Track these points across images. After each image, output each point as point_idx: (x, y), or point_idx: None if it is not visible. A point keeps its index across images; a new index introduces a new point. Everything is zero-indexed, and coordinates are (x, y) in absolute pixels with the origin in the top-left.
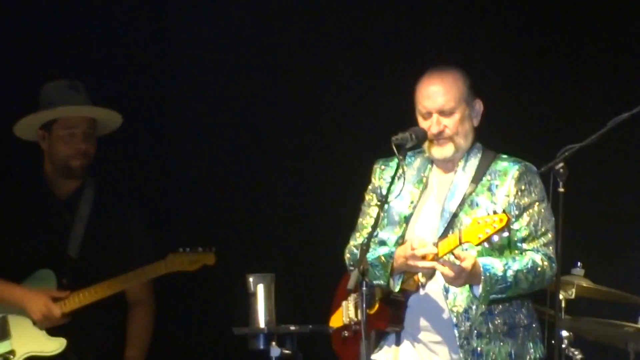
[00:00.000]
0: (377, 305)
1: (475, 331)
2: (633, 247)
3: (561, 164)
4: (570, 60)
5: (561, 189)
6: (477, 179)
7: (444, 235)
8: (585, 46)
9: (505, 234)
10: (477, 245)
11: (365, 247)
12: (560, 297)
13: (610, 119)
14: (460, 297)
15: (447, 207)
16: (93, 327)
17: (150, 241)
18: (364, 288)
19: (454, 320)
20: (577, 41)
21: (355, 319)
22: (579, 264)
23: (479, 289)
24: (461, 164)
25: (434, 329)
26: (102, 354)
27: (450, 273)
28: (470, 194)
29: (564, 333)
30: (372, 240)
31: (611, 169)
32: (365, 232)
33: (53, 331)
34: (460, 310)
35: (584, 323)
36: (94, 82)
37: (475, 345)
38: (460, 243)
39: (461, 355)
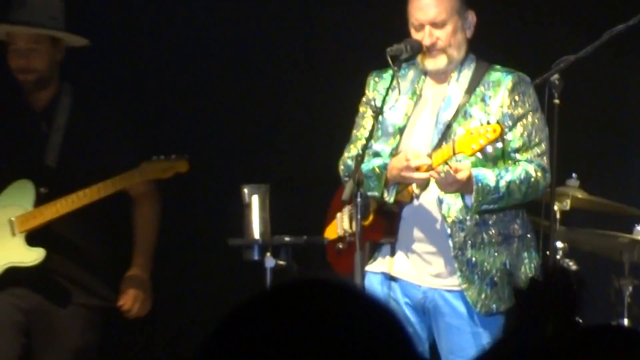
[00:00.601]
0: (371, 217)
1: (470, 241)
2: (628, 158)
3: (556, 76)
4: None
5: (556, 101)
6: (470, 90)
7: (438, 146)
8: None
9: (499, 145)
10: (470, 155)
11: (359, 158)
12: (555, 208)
13: (606, 29)
14: (454, 207)
15: (440, 118)
16: (76, 238)
17: (133, 148)
18: (359, 199)
19: (448, 230)
20: None
21: (350, 230)
22: (573, 175)
23: (470, 199)
24: (454, 75)
25: (428, 240)
26: (91, 266)
27: (445, 179)
28: (464, 104)
29: (559, 244)
30: (366, 151)
31: (606, 80)
32: (359, 144)
33: (33, 242)
34: (455, 220)
35: (578, 234)
36: None
37: (469, 255)
38: (454, 153)
39: (455, 265)
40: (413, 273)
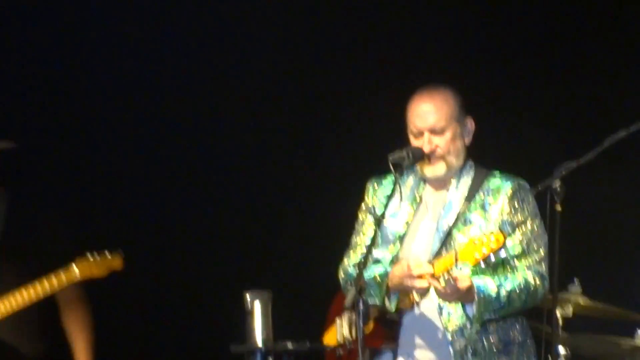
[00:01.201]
0: (371, 324)
1: (471, 349)
2: (630, 263)
3: (558, 182)
4: (565, 76)
5: (558, 207)
6: (470, 197)
7: (439, 252)
8: (581, 63)
9: (502, 254)
10: (473, 265)
11: (362, 266)
12: (558, 314)
13: (607, 136)
14: (454, 315)
15: (441, 225)
16: (15, 341)
17: (71, 245)
18: (361, 306)
19: (449, 338)
20: (571, 58)
21: (350, 337)
22: (575, 280)
23: (472, 310)
24: (454, 181)
25: (429, 347)
26: None
27: (445, 288)
28: (464, 212)
29: (561, 350)
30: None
31: (608, 185)
32: (359, 251)
33: None
34: (455, 328)
35: (581, 340)
36: None
37: None
38: (457, 262)
39: None
40: None
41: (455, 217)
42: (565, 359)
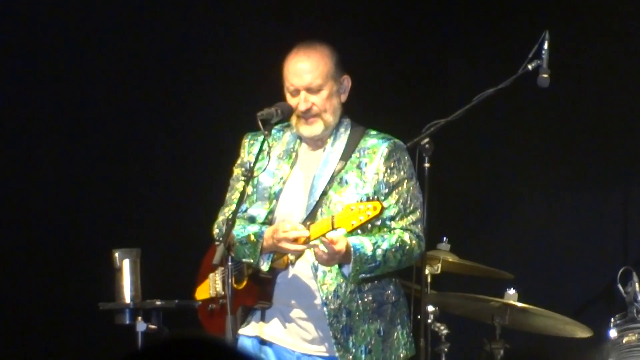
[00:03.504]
0: (245, 282)
1: (345, 309)
2: (498, 222)
3: (426, 140)
4: (437, 35)
5: (427, 164)
6: (346, 156)
7: (314, 212)
8: (454, 23)
9: (378, 222)
10: (349, 231)
11: (230, 222)
12: (426, 272)
13: (476, 94)
14: (329, 275)
15: (316, 184)
16: None
17: None
18: (230, 263)
19: (324, 298)
20: (445, 17)
21: (222, 293)
22: (444, 238)
23: (348, 269)
24: (330, 140)
25: (303, 307)
26: None
27: (325, 255)
28: (340, 171)
29: (430, 308)
30: (242, 215)
31: (476, 143)
32: (233, 207)
33: None
34: (330, 288)
35: (450, 298)
36: None
37: (344, 322)
38: (333, 229)
39: (330, 332)
40: (287, 338)
41: (331, 176)
42: (434, 317)
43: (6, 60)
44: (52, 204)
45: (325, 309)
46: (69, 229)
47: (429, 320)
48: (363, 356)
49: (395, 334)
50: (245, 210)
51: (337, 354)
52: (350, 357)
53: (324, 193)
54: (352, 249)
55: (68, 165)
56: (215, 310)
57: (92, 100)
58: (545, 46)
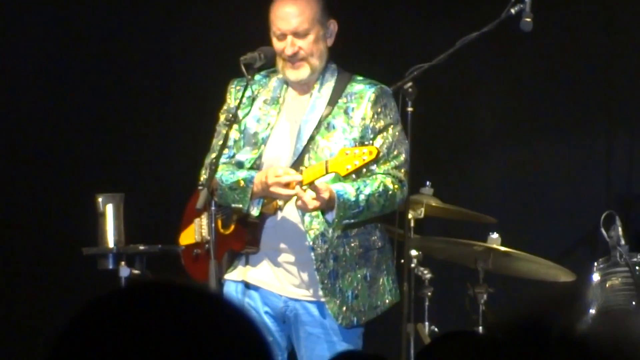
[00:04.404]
0: (233, 226)
1: (332, 254)
2: (482, 166)
3: (410, 84)
4: None
5: (410, 108)
6: (333, 102)
7: (301, 157)
8: None
9: (374, 167)
10: (344, 176)
11: (213, 167)
12: (409, 216)
13: (460, 37)
14: (316, 220)
15: (303, 130)
16: None
17: None
18: (213, 207)
19: (311, 243)
20: None
21: (208, 238)
22: (428, 183)
23: (332, 215)
24: (317, 85)
25: (291, 251)
26: None
27: (316, 203)
28: (327, 116)
29: (413, 252)
30: (229, 161)
31: (459, 88)
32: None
33: None
34: (317, 233)
35: (433, 242)
36: None
37: (331, 267)
38: (327, 173)
39: (317, 277)
40: (274, 282)
41: (318, 121)
42: (417, 261)
43: None
44: (35, 149)
45: (312, 253)
46: (53, 173)
47: (413, 265)
48: (350, 302)
49: (381, 279)
50: (233, 156)
51: (323, 299)
52: (338, 302)
53: (311, 138)
54: (335, 195)
55: (51, 111)
56: (200, 255)
57: (78, 50)
58: None
